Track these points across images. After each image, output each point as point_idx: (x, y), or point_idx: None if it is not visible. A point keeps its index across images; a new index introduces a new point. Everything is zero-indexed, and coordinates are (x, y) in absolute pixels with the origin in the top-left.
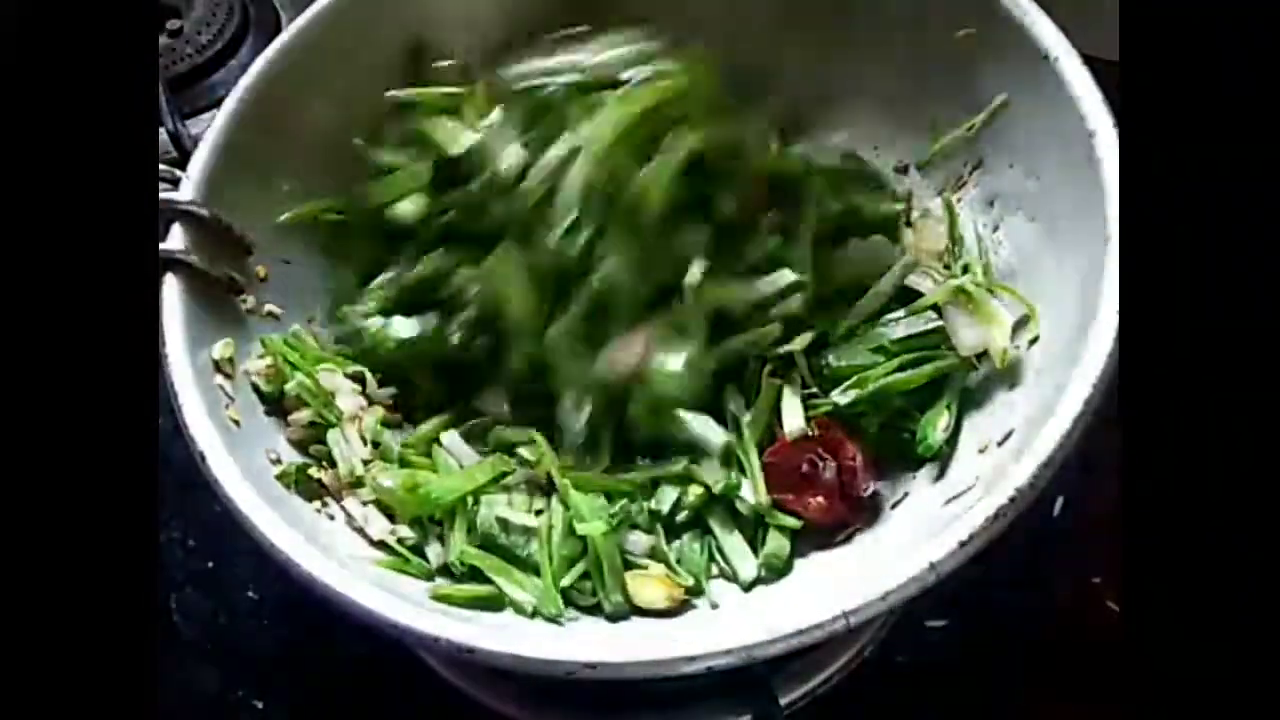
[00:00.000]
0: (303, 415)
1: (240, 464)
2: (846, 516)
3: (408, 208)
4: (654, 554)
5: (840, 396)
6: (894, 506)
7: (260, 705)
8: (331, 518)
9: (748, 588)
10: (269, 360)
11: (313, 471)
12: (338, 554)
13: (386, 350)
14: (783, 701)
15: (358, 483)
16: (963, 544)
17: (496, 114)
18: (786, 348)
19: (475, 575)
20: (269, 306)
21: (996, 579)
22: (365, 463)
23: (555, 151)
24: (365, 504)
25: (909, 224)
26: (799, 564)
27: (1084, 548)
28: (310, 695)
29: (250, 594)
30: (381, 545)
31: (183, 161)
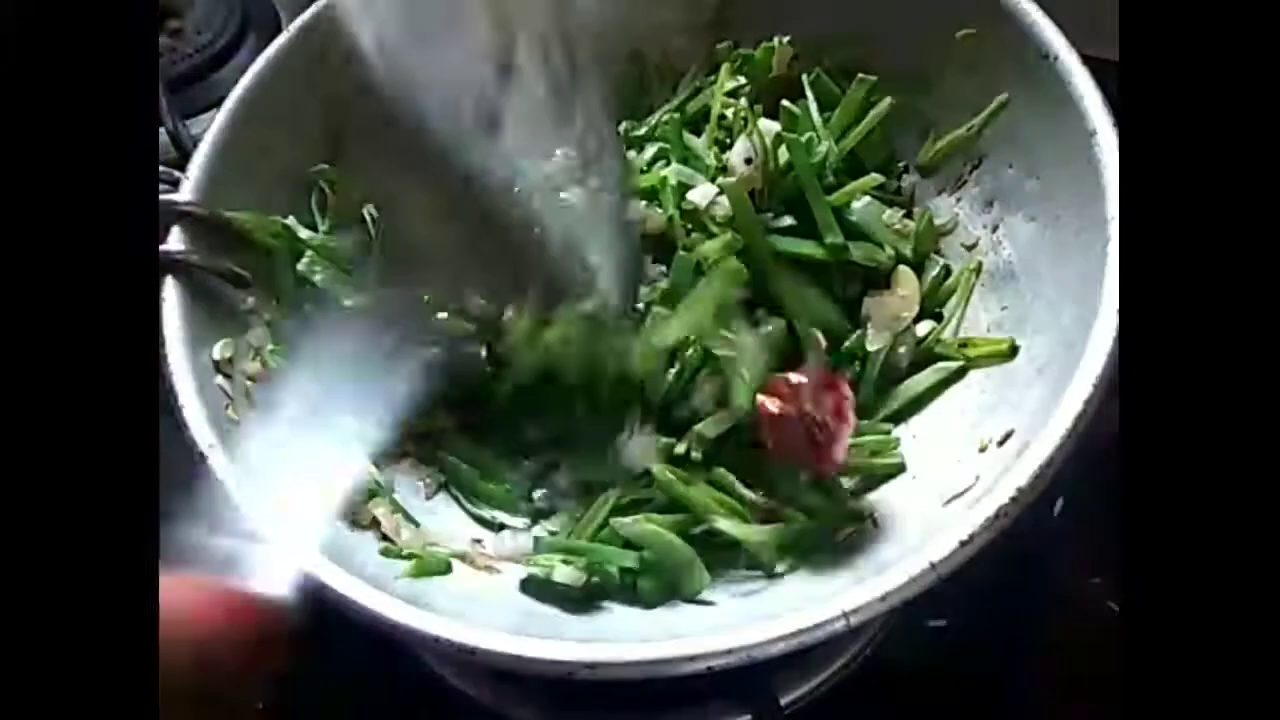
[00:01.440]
0: None
1: (240, 464)
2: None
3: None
4: None
5: None
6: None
7: (260, 705)
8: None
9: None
10: (259, 365)
11: None
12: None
13: None
14: (783, 701)
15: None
16: (963, 543)
17: None
18: None
19: None
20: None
21: (997, 579)
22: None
23: None
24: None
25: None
26: (798, 563)
27: (1084, 548)
28: (311, 696)
29: None
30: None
31: (183, 161)
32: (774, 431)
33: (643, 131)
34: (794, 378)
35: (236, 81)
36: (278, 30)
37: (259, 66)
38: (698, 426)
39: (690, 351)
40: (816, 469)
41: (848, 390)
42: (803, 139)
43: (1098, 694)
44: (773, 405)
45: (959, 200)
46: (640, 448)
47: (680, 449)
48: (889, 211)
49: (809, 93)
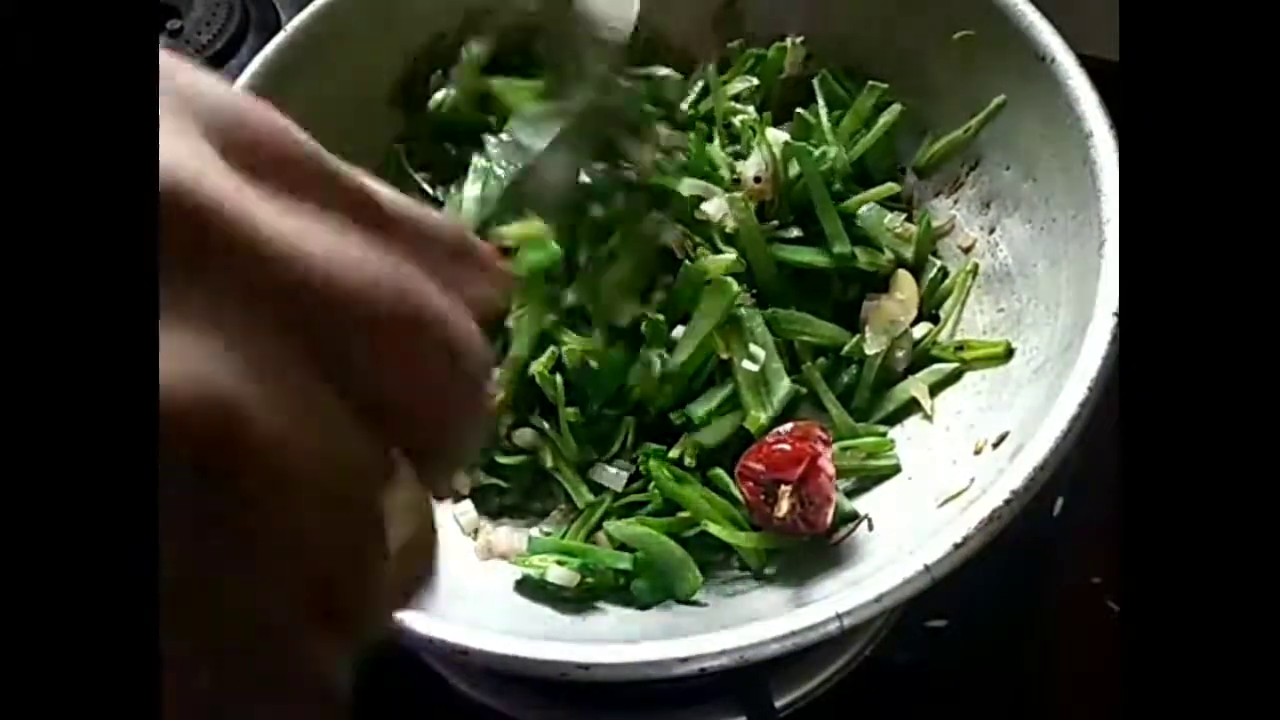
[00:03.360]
0: None
1: None
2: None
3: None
4: None
5: None
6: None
7: None
8: None
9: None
10: None
11: None
12: None
13: None
14: (784, 701)
15: None
16: (957, 546)
17: None
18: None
19: None
20: None
21: (996, 579)
22: None
23: None
24: None
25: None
26: (793, 563)
27: (1084, 548)
28: None
29: None
30: None
31: None
32: (758, 510)
33: None
34: (778, 447)
35: (236, 81)
36: (278, 30)
37: (256, 66)
38: (695, 435)
39: (697, 364)
40: (803, 535)
41: (830, 469)
42: (815, 153)
43: (1098, 694)
44: (756, 490)
45: (956, 202)
46: (615, 473)
47: (674, 453)
48: (890, 215)
49: (820, 97)
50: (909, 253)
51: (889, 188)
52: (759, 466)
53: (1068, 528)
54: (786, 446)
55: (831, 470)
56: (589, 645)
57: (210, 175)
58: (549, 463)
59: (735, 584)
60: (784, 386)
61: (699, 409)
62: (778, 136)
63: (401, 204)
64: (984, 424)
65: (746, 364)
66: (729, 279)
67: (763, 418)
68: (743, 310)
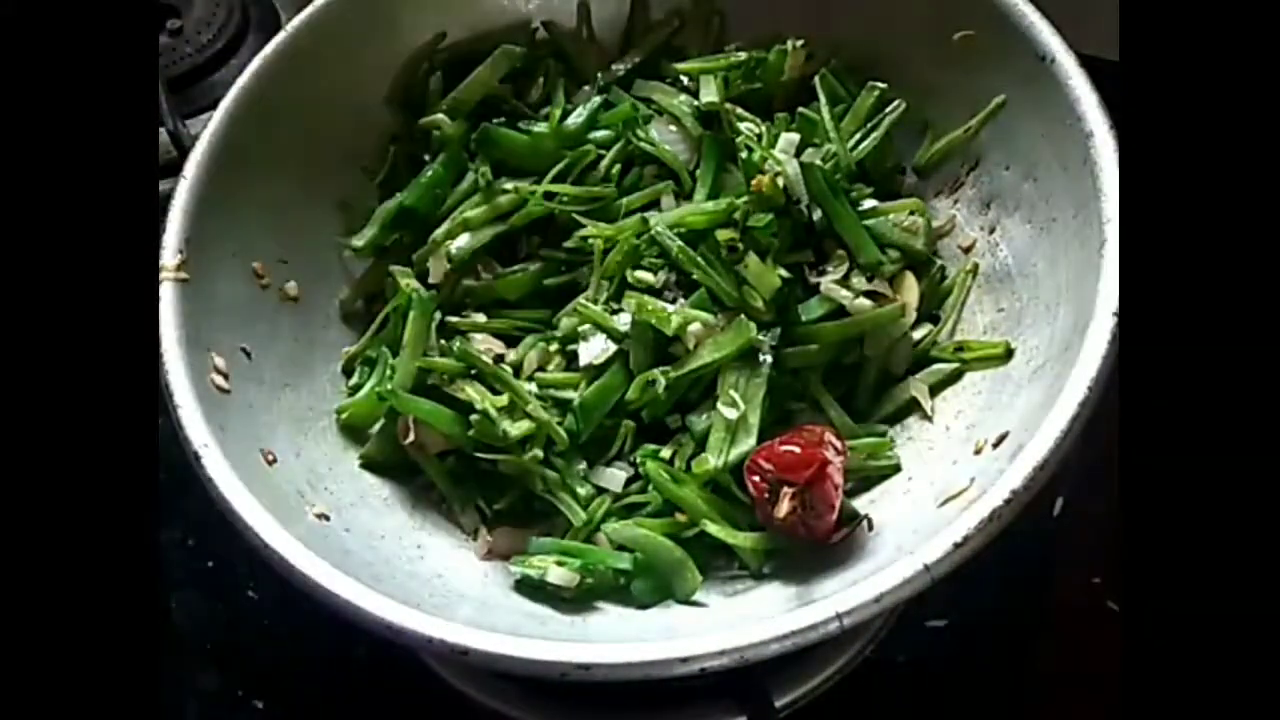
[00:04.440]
0: None
1: (234, 465)
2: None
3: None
4: None
5: None
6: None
7: (260, 705)
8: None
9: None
10: None
11: None
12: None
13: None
14: (785, 700)
15: None
16: (958, 545)
17: None
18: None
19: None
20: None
21: (997, 579)
22: None
23: None
24: None
25: None
26: (793, 563)
27: (1084, 548)
28: (310, 695)
29: (250, 594)
30: None
31: (182, 161)
32: (762, 507)
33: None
34: (787, 449)
35: (236, 81)
36: (277, 30)
37: (256, 65)
38: (702, 454)
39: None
40: (808, 539)
41: (839, 478)
42: (825, 166)
43: (1098, 694)
44: (761, 487)
45: (956, 202)
46: (614, 474)
47: (665, 453)
48: (895, 212)
49: (821, 95)
50: (919, 244)
51: (915, 202)
52: (767, 465)
53: (1068, 528)
54: (796, 449)
55: (840, 480)
56: (589, 645)
57: None
58: (540, 488)
59: (735, 584)
60: (749, 443)
61: (698, 423)
62: (789, 140)
63: None
64: (984, 424)
65: (725, 409)
66: (749, 322)
67: (711, 462)
68: (760, 358)
